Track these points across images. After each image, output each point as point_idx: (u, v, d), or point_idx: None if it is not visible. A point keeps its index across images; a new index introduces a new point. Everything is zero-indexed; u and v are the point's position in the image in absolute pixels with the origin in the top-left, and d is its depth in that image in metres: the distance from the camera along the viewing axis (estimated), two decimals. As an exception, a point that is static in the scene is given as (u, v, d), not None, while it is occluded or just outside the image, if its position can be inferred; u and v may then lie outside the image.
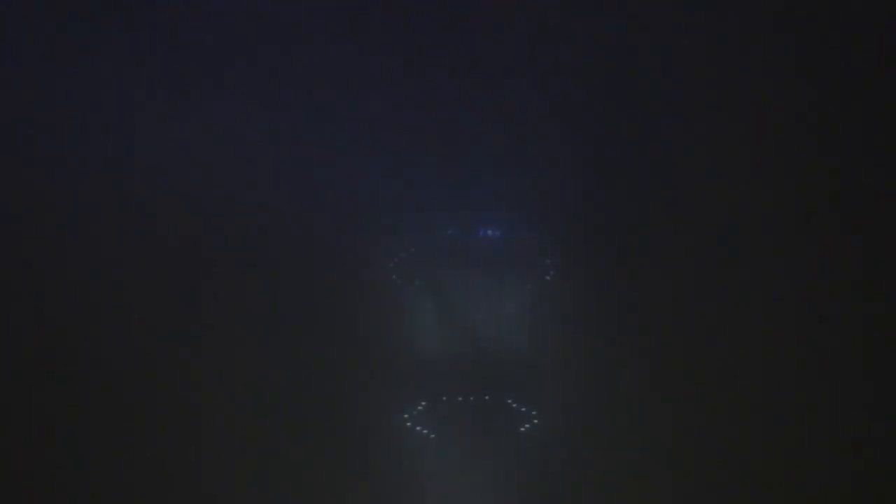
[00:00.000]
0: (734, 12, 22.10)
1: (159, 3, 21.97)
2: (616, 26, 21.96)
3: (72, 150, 21.59)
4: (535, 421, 21.63)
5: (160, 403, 21.25)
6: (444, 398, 21.63)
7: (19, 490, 20.27)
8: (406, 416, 21.71)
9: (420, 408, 21.81)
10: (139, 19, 21.91)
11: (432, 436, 21.63)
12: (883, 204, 21.64)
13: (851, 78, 21.81)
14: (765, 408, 21.41)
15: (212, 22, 22.11)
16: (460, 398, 21.57)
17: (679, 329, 21.48)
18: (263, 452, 21.19)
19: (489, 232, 22.07)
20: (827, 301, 21.49)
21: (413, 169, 21.78)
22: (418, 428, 21.67)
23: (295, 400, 21.34)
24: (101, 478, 20.91)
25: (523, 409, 21.68)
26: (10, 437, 20.66)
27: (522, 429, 21.65)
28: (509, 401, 21.71)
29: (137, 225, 21.70)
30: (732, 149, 21.94)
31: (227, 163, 21.89)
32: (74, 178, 21.52)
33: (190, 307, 21.44)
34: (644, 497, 21.24)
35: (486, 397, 21.59)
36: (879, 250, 21.49)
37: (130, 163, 21.84)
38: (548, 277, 22.04)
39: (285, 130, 21.83)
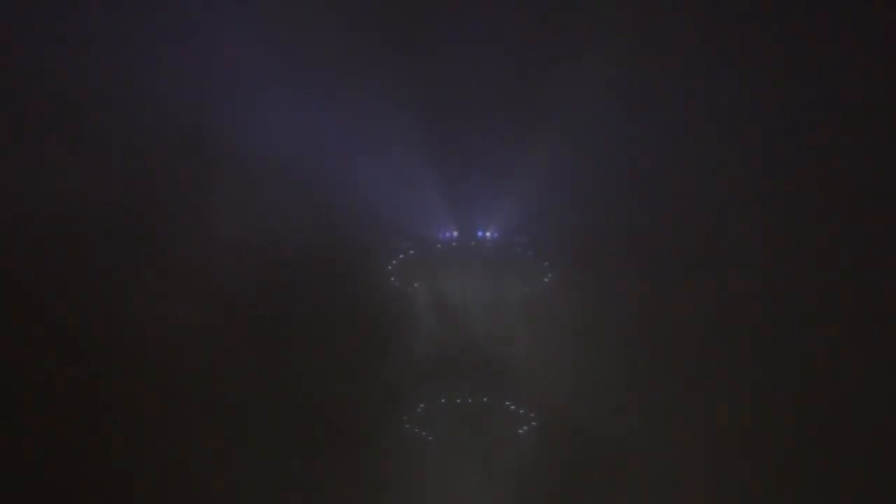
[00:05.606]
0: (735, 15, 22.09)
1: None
2: (614, 31, 21.95)
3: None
4: (533, 423, 21.68)
5: (158, 404, 21.27)
6: (443, 400, 21.67)
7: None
8: (404, 417, 21.74)
9: (418, 410, 21.85)
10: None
11: (430, 437, 21.68)
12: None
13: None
14: (764, 408, 21.44)
15: (210, 20, 22.06)
16: (458, 400, 21.62)
17: (677, 331, 21.53)
18: (261, 453, 21.22)
19: (487, 234, 22.11)
20: (828, 303, 21.51)
21: (412, 172, 21.80)
22: (416, 430, 21.70)
23: (293, 401, 21.38)
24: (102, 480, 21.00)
25: (521, 411, 21.73)
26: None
27: (521, 430, 21.70)
28: (507, 402, 21.75)
29: (135, 224, 21.68)
30: (732, 152, 21.95)
31: (226, 163, 21.87)
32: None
33: (188, 308, 21.43)
34: (642, 497, 21.29)
35: (485, 399, 21.63)
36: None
37: (127, 161, 21.82)
38: (545, 279, 22.09)
39: (285, 133, 21.81)
